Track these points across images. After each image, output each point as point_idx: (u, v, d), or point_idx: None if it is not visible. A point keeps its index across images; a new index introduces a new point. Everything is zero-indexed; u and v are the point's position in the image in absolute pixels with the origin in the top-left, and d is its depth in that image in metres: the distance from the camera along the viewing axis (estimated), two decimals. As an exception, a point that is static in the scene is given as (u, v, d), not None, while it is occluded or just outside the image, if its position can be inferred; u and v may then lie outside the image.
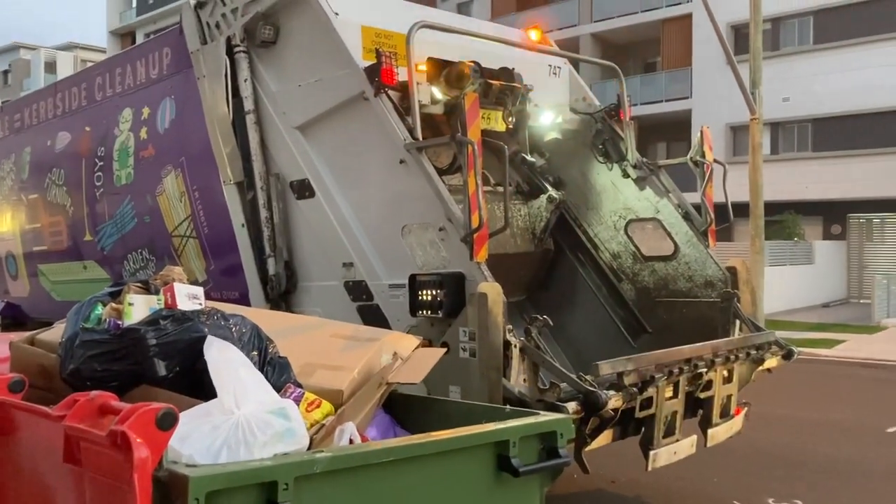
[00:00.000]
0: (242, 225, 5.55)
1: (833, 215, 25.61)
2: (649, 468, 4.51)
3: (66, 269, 7.79)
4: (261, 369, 2.50)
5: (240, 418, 2.16)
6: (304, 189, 5.28)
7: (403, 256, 4.75)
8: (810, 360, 13.82)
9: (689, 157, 6.14)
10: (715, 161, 6.12)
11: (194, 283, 6.28)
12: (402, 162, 4.69)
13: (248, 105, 5.50)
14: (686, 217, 6.13)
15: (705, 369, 4.83)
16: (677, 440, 4.68)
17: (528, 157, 6.30)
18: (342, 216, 5.08)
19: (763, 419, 6.68)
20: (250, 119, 5.49)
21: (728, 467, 6.73)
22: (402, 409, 2.87)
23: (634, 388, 4.29)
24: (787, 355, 5.61)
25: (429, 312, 4.41)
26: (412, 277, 4.50)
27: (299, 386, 2.53)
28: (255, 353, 2.52)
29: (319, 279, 5.26)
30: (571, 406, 4.03)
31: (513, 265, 6.54)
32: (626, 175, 6.37)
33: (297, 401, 2.42)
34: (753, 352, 5.31)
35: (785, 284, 20.69)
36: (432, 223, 4.58)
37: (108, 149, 6.97)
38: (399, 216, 4.79)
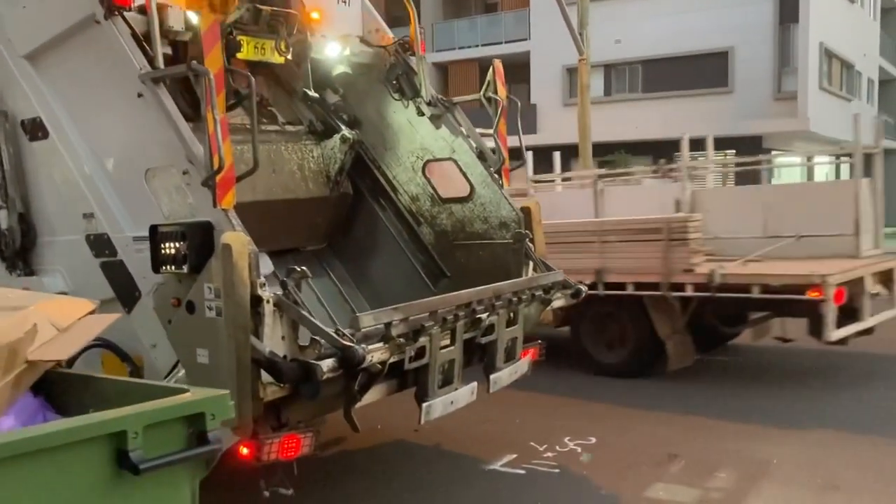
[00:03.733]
0: (-30, 172, 4.76)
1: (662, 155, 26.68)
2: (422, 421, 4.26)
3: None
4: None
5: None
6: (36, 129, 4.57)
7: (148, 205, 4.18)
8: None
9: (481, 93, 5.85)
10: (508, 98, 5.86)
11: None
12: (139, 96, 4.08)
13: (-32, 31, 4.67)
14: (481, 157, 5.87)
15: (486, 314, 4.62)
16: (455, 389, 4.46)
17: (310, 93, 5.80)
18: (80, 160, 4.42)
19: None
20: (-29, 48, 4.67)
21: (530, 409, 6.72)
22: (60, 389, 2.39)
23: (402, 339, 3.99)
24: (575, 294, 5.53)
25: (173, 268, 3.90)
26: (153, 228, 3.95)
27: None
28: None
29: (61, 233, 4.61)
30: (328, 363, 3.68)
31: (306, 211, 6.11)
32: (420, 113, 6.01)
33: None
34: (540, 293, 5.17)
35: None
36: (176, 166, 4.03)
37: None
38: (141, 159, 4.20)
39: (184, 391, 2.10)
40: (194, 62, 3.79)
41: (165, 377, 4.13)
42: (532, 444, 5.88)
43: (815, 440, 5.86)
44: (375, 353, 3.89)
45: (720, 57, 25.06)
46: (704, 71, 25.14)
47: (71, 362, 4.50)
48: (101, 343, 4.41)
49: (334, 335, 3.73)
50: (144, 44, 4.19)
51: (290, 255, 6.19)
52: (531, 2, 28.06)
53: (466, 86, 30.12)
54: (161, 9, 4.43)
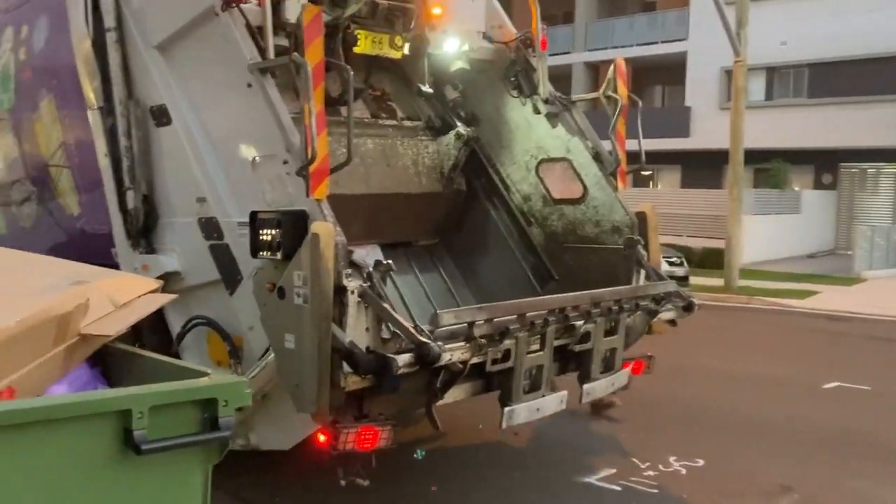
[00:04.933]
0: (105, 154, 5.11)
1: (825, 164, 24.93)
2: (503, 425, 4.16)
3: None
4: None
5: None
6: (161, 115, 4.83)
7: (253, 192, 4.32)
8: (777, 312, 13.52)
9: (601, 92, 5.64)
10: (630, 97, 5.61)
11: (71, 217, 5.96)
12: (249, 86, 4.23)
13: (109, 22, 5.00)
14: (597, 158, 5.67)
15: (581, 321, 4.45)
16: (543, 396, 4.32)
17: (425, 88, 5.81)
18: (196, 146, 4.64)
19: (691, 372, 6.35)
20: (111, 37, 4.99)
21: (637, 422, 6.44)
22: (118, 363, 2.49)
23: (484, 340, 3.90)
24: (688, 307, 5.22)
25: (269, 254, 4.01)
26: (252, 214, 4.07)
27: None
28: None
29: (178, 215, 4.86)
30: (404, 358, 3.66)
31: (419, 205, 6.15)
32: (537, 111, 5.89)
33: None
34: (647, 303, 4.92)
35: (768, 234, 20.23)
36: (278, 155, 4.14)
37: (-8, 71, 6.50)
38: (249, 147, 4.35)
39: (205, 374, 2.14)
40: (295, 54, 3.87)
41: (259, 359, 4.26)
42: (634, 460, 5.63)
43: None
44: (456, 352, 3.83)
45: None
46: (881, 75, 23.19)
47: (180, 338, 4.82)
48: (206, 322, 4.65)
49: (412, 331, 3.71)
50: (257, 36, 4.34)
51: (401, 249, 6.27)
52: (691, 0, 26.95)
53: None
54: (279, 1, 4.58)
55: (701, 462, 5.64)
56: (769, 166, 23.27)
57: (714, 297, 14.11)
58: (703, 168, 26.22)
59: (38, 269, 2.70)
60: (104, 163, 5.11)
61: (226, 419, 2.03)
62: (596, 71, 29.93)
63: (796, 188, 23.94)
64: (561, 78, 27.45)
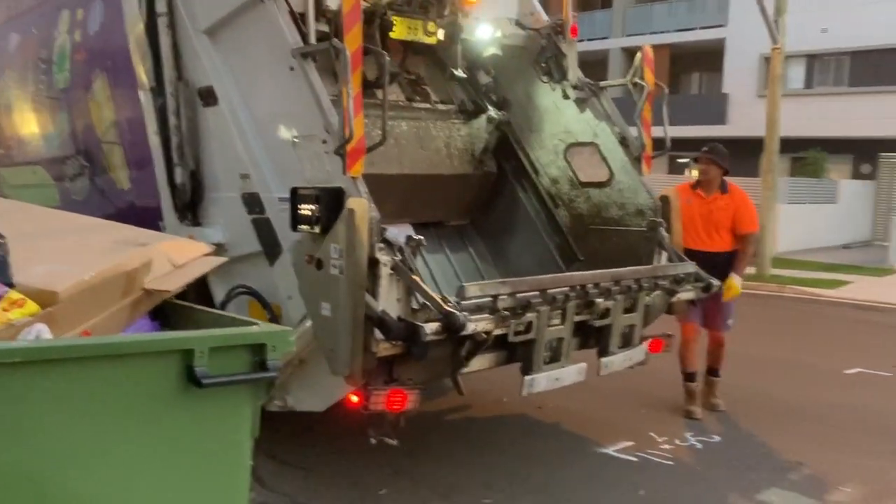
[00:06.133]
0: (155, 132, 5.43)
1: (865, 154, 24.64)
2: (524, 392, 4.42)
3: (19, 174, 7.82)
4: (-25, 265, 2.46)
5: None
6: (209, 96, 5.12)
7: (294, 169, 4.60)
8: (807, 301, 13.55)
9: (628, 79, 5.82)
10: (656, 84, 5.79)
11: (121, 191, 6.32)
12: (291, 69, 4.50)
13: (161, 7, 5.30)
14: (623, 142, 5.86)
15: (601, 297, 4.67)
16: (562, 367, 4.56)
17: (458, 73, 6.04)
18: (241, 125, 4.93)
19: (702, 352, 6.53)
20: (162, 21, 5.30)
21: (659, 401, 6.65)
22: (176, 317, 2.79)
23: (506, 313, 4.15)
24: (706, 288, 5.41)
25: (308, 227, 4.29)
26: (293, 190, 4.35)
27: (10, 285, 2.46)
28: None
29: (222, 190, 5.16)
30: (431, 326, 3.93)
31: (450, 186, 6.39)
32: (566, 96, 6.09)
33: (-4, 298, 2.36)
34: (665, 282, 5.12)
35: (803, 223, 20.11)
36: (317, 135, 4.41)
37: (49, 52, 6.85)
38: (290, 127, 4.63)
39: (254, 324, 2.43)
40: (335, 39, 4.13)
41: (296, 326, 4.56)
42: (652, 434, 5.84)
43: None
44: (480, 323, 4.09)
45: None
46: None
47: (223, 306, 5.13)
48: (247, 291, 4.94)
49: (440, 301, 3.97)
50: (300, 22, 4.60)
51: (433, 228, 6.52)
52: (732, -14, 26.70)
53: (655, 72, 29.25)
54: (320, -11, 4.83)
55: (717, 438, 5.84)
56: (806, 155, 23.07)
57: (746, 284, 14.10)
58: (740, 156, 25.91)
59: (107, 231, 3.01)
60: (154, 140, 5.44)
61: (273, 362, 2.31)
62: (632, 57, 29.75)
63: (834, 177, 23.69)
64: (598, 64, 27.41)
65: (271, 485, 4.81)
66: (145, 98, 5.49)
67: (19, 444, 1.90)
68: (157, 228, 5.41)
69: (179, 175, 5.28)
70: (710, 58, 28.26)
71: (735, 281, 6.09)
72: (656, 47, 30.12)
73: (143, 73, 5.47)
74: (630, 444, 5.64)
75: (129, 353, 2.09)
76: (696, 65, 29.70)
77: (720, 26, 27.43)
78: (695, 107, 26.99)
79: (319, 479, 4.94)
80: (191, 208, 5.32)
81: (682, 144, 28.46)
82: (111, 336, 2.24)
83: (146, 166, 5.69)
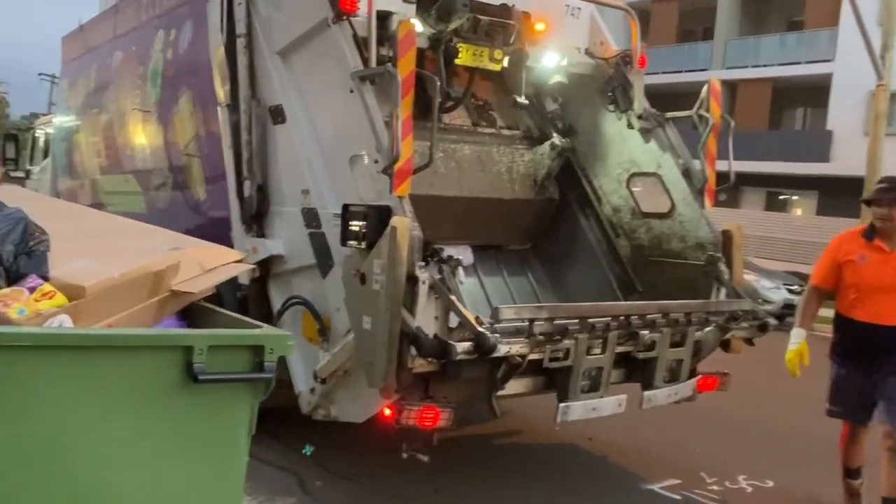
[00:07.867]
0: (229, 147, 5.73)
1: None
2: (558, 420, 4.39)
3: (114, 182, 8.36)
4: (15, 259, 2.68)
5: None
6: (278, 114, 5.38)
7: (349, 187, 4.77)
8: None
9: (693, 111, 5.76)
10: (722, 117, 5.70)
11: (198, 202, 6.67)
12: (351, 91, 4.68)
13: (241, 28, 5.61)
14: (686, 174, 5.79)
15: (645, 329, 4.62)
16: (601, 396, 4.52)
17: (520, 100, 6.10)
18: (305, 144, 5.15)
19: (779, 396, 6.33)
20: (240, 43, 5.60)
21: (712, 438, 6.47)
22: (202, 318, 2.96)
23: (542, 337, 4.17)
24: (762, 327, 5.25)
25: (356, 243, 4.44)
26: (344, 207, 4.52)
27: (45, 278, 2.67)
28: (11, 246, 2.68)
29: (287, 205, 5.39)
30: (463, 345, 3.99)
31: (510, 211, 6.45)
32: (631, 126, 6.08)
33: (32, 289, 2.56)
34: (716, 318, 5.01)
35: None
36: (370, 154, 4.57)
37: (144, 68, 7.35)
38: (347, 146, 4.81)
39: (259, 327, 2.57)
40: (388, 65, 4.28)
41: (342, 337, 4.71)
42: (702, 474, 5.70)
43: None
44: (515, 346, 4.12)
45: None
46: None
47: (279, 314, 5.34)
48: (301, 302, 5.15)
49: (473, 321, 4.03)
50: (362, 46, 4.79)
51: (492, 251, 6.59)
52: (841, 20, 25.73)
53: (755, 106, 28.41)
54: (386, 16, 5.01)
55: (770, 483, 5.64)
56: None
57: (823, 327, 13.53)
58: (843, 195, 24.94)
59: (146, 235, 3.24)
60: (227, 154, 5.74)
61: (270, 364, 2.44)
62: (733, 90, 29.04)
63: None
64: (694, 95, 26.85)
65: (313, 492, 4.95)
66: (222, 114, 5.81)
67: (28, 421, 2.09)
68: (229, 239, 5.69)
69: (248, 188, 5.55)
70: (815, 93, 27.30)
71: None
72: (758, 81, 29.09)
73: (221, 91, 5.79)
74: (677, 482, 5.52)
75: (133, 345, 2.27)
76: (800, 100, 28.74)
77: (827, 61, 26.47)
78: (797, 143, 26.12)
79: (361, 489, 5.06)
80: (256, 220, 5.57)
81: (782, 181, 27.47)
82: (117, 328, 2.42)
83: (220, 179, 6.00)
